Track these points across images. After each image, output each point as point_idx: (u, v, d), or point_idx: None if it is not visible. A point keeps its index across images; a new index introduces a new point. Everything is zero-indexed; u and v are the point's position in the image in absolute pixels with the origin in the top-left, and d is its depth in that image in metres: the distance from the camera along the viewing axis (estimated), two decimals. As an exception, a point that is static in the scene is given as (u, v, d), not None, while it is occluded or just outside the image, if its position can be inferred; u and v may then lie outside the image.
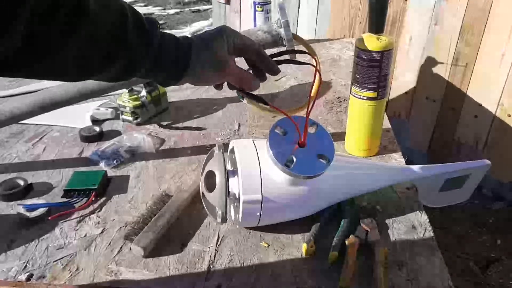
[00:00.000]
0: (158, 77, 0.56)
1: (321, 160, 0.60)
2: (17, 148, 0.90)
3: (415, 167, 0.73)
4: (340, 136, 0.88)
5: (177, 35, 0.56)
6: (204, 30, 0.59)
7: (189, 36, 0.57)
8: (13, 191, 0.74)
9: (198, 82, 0.58)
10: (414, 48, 1.91)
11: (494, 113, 1.76)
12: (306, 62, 0.60)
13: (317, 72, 0.63)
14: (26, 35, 0.38)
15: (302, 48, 0.91)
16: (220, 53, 0.56)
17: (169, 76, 0.56)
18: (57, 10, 0.39)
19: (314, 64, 0.63)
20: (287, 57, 0.68)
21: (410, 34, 1.91)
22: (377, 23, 0.74)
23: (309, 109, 0.60)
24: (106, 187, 0.77)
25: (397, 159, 0.83)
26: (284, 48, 0.91)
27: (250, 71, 0.63)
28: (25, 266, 0.61)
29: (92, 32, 0.44)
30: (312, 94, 0.66)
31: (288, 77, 1.23)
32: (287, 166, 0.58)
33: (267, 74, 0.64)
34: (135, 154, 0.86)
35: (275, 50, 1.15)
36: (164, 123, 0.98)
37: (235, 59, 0.60)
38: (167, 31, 0.57)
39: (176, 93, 1.11)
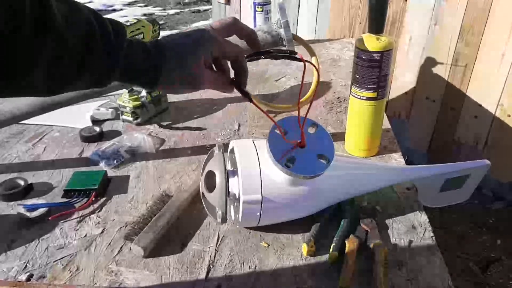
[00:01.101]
0: (133, 85, 0.56)
1: (321, 160, 0.60)
2: (18, 148, 0.90)
3: (415, 167, 0.73)
4: (340, 136, 0.88)
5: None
6: (181, 32, 0.56)
7: (163, 45, 0.54)
8: (13, 191, 0.74)
9: (171, 93, 0.58)
10: (414, 48, 1.91)
11: (494, 113, 1.76)
12: (303, 59, 0.60)
13: (316, 72, 0.63)
14: None
15: (302, 48, 0.91)
16: (193, 70, 0.54)
17: (142, 86, 0.55)
18: (21, 25, 0.38)
19: (312, 62, 0.63)
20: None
21: (410, 34, 1.91)
22: (377, 23, 0.74)
23: (307, 108, 0.61)
24: (106, 187, 0.77)
25: (397, 159, 0.83)
26: (284, 48, 0.91)
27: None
28: (25, 266, 0.61)
29: (58, 51, 0.43)
30: (309, 94, 0.66)
31: (288, 77, 1.23)
32: (287, 166, 0.58)
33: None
34: (135, 154, 0.86)
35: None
36: (164, 123, 0.98)
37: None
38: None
39: (176, 93, 1.12)
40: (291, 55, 0.60)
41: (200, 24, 4.55)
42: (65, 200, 0.73)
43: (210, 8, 4.20)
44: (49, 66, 0.43)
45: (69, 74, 0.46)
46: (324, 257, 0.61)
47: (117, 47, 0.49)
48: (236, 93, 0.62)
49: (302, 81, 0.59)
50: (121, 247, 0.64)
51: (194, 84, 0.55)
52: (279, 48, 0.62)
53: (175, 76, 0.54)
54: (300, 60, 0.58)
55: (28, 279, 0.59)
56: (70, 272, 0.60)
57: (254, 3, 1.44)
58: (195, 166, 0.83)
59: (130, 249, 0.63)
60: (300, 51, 0.87)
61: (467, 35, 1.74)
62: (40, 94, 0.48)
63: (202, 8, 5.18)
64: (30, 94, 0.47)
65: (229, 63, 0.60)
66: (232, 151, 0.65)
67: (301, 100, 0.74)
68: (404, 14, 1.90)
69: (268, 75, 1.25)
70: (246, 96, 0.60)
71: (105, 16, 0.50)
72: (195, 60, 0.54)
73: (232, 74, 0.60)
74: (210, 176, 0.62)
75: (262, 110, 0.60)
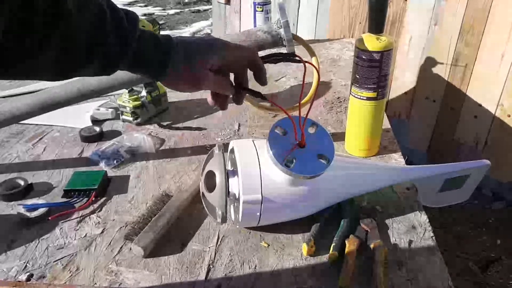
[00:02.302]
0: (139, 75, 0.56)
1: (321, 160, 0.60)
2: (18, 148, 0.90)
3: (415, 167, 0.73)
4: (340, 136, 0.88)
5: (175, 35, 0.55)
6: (196, 35, 0.58)
7: (174, 40, 0.54)
8: (13, 191, 0.74)
9: (173, 89, 0.58)
10: (414, 48, 1.91)
11: (493, 113, 1.76)
12: (303, 60, 0.60)
13: (316, 72, 0.63)
14: (4, 39, 0.38)
15: (302, 48, 0.91)
16: (197, 71, 0.55)
17: (147, 76, 0.56)
18: (34, 12, 0.39)
19: (313, 63, 0.63)
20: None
21: (410, 34, 1.91)
22: (377, 23, 0.74)
23: (308, 108, 0.61)
24: (106, 187, 0.77)
25: (397, 159, 0.83)
26: (284, 49, 0.91)
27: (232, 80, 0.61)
28: (25, 266, 0.61)
29: (70, 33, 0.43)
30: (310, 94, 0.66)
31: (288, 77, 1.23)
32: (287, 166, 0.58)
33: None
34: (135, 154, 0.86)
35: (274, 51, 1.15)
36: (164, 123, 0.98)
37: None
38: (167, 31, 0.56)
39: (176, 93, 1.11)
40: (291, 58, 0.61)
41: (200, 24, 4.55)
42: (65, 200, 0.73)
43: (210, 8, 4.20)
44: (60, 49, 0.44)
45: (79, 57, 0.47)
46: (324, 257, 0.61)
47: (128, 33, 0.49)
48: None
49: (303, 83, 0.59)
50: (121, 247, 0.64)
51: (196, 83, 0.56)
52: (278, 52, 0.62)
53: (181, 72, 0.54)
54: (300, 61, 0.59)
55: (28, 279, 0.59)
56: (70, 272, 0.60)
57: (254, 3, 1.44)
58: (195, 166, 0.83)
59: (130, 249, 0.63)
60: (300, 51, 0.87)
61: (467, 35, 1.74)
62: (49, 77, 0.48)
63: (202, 8, 5.18)
64: (39, 76, 0.48)
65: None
66: (232, 151, 0.65)
67: (301, 102, 0.74)
68: (404, 14, 1.90)
69: (268, 75, 1.24)
70: (258, 96, 0.60)
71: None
72: (203, 60, 0.55)
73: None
74: (210, 176, 0.62)
75: (278, 105, 0.61)
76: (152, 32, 0.54)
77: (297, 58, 0.60)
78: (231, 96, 0.61)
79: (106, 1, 0.48)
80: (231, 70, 0.59)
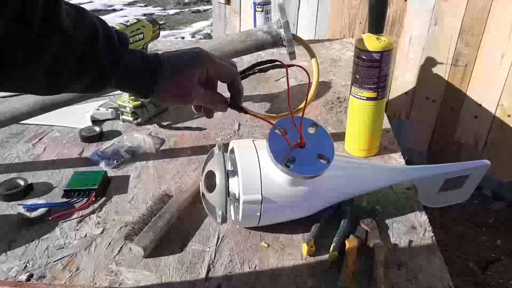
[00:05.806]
0: (128, 92, 0.57)
1: (321, 160, 0.60)
2: (18, 148, 0.90)
3: (415, 167, 0.73)
4: (340, 136, 0.88)
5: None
6: (183, 48, 0.58)
7: (162, 56, 0.55)
8: (13, 191, 0.74)
9: (166, 104, 0.59)
10: (414, 48, 1.91)
11: (494, 113, 1.76)
12: (285, 64, 0.61)
13: (316, 74, 0.63)
14: None
15: (302, 48, 0.91)
16: (185, 84, 0.55)
17: (137, 94, 0.56)
18: (29, 24, 0.40)
19: (301, 65, 0.64)
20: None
21: (410, 34, 1.91)
22: (377, 23, 0.74)
23: (304, 108, 0.61)
24: (106, 187, 0.77)
25: (397, 159, 0.83)
26: (284, 49, 0.91)
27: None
28: (25, 266, 0.61)
29: (63, 48, 0.44)
30: (309, 96, 0.66)
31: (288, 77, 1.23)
32: (287, 166, 0.58)
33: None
34: (135, 154, 0.86)
35: (275, 51, 1.16)
36: (164, 123, 0.98)
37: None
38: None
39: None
40: (274, 65, 0.61)
41: (200, 24, 4.55)
42: (65, 200, 0.73)
43: (210, 8, 4.20)
44: (52, 62, 0.44)
45: (70, 72, 0.47)
46: (324, 257, 0.61)
47: (119, 50, 0.50)
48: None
49: (288, 88, 0.60)
50: (121, 247, 0.64)
51: (185, 97, 0.56)
52: (259, 61, 0.63)
53: (169, 87, 0.55)
54: (283, 66, 0.59)
55: (28, 279, 0.59)
56: (70, 272, 0.60)
57: (254, 3, 1.44)
58: (195, 166, 0.83)
59: (130, 249, 0.63)
60: (300, 51, 0.87)
61: (467, 35, 1.74)
62: (38, 91, 0.49)
63: (202, 8, 5.18)
64: (29, 89, 0.48)
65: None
66: (232, 151, 0.65)
67: (299, 107, 0.75)
68: (404, 14, 1.90)
69: (268, 75, 1.25)
70: (243, 111, 0.61)
71: (106, 17, 0.50)
72: (190, 73, 0.55)
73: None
74: (210, 176, 0.62)
75: (264, 119, 0.62)
76: (142, 51, 0.55)
77: (278, 63, 0.61)
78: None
79: (98, 19, 0.49)
80: (217, 82, 0.60)
